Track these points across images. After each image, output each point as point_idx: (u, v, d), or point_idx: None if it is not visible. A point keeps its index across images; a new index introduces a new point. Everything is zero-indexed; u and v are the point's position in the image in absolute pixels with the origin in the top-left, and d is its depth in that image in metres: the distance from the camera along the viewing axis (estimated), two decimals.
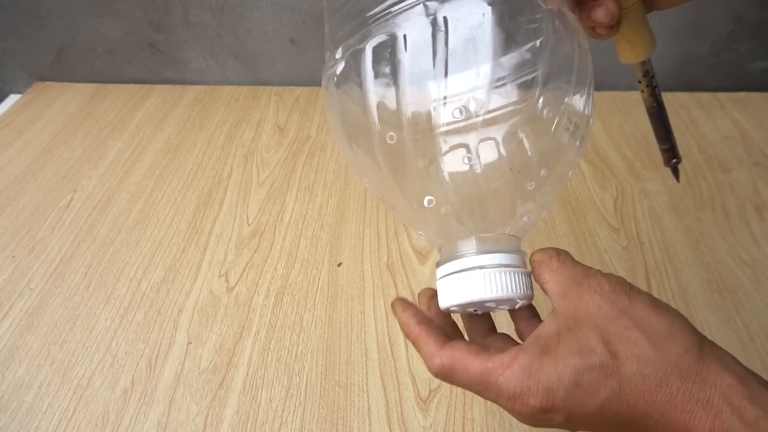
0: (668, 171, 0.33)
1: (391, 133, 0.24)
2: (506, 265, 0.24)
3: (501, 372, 0.21)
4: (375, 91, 0.24)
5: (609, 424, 0.21)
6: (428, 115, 0.23)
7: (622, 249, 0.49)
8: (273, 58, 0.72)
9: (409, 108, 0.23)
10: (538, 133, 0.24)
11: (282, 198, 0.55)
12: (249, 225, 0.52)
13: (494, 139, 0.23)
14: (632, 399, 0.20)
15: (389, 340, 0.42)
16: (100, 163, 0.61)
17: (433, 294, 0.26)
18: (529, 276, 0.25)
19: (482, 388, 0.22)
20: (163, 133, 0.65)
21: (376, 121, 0.24)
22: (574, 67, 0.24)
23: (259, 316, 0.44)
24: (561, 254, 0.24)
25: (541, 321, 0.25)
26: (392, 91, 0.23)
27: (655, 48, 0.28)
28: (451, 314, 0.26)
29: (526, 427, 0.37)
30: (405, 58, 0.23)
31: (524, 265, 0.25)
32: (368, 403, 0.38)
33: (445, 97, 0.23)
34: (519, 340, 0.25)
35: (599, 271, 0.23)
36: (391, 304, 0.26)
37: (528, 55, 0.23)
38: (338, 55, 0.25)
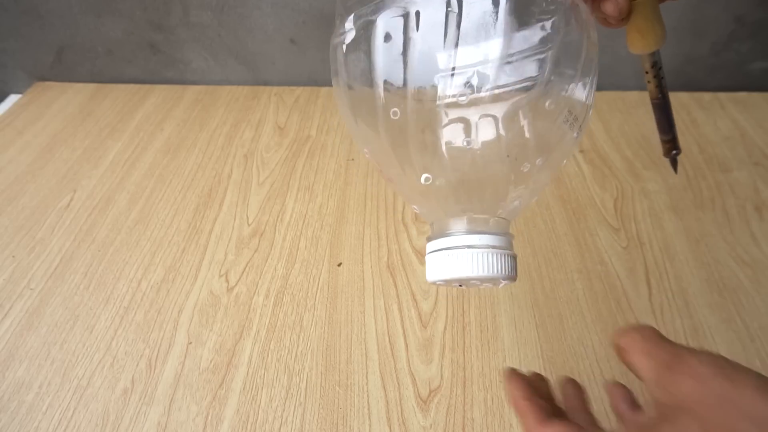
0: (668, 171, 0.33)
1: (395, 108, 0.24)
2: (494, 247, 0.24)
3: None
4: (383, 65, 0.24)
5: None
6: (433, 90, 0.23)
7: (622, 249, 0.49)
8: (273, 58, 0.72)
9: (415, 85, 0.23)
10: (539, 118, 0.24)
11: (282, 198, 0.55)
12: (249, 225, 0.52)
13: (495, 117, 0.23)
14: None
15: (389, 340, 0.42)
16: (100, 163, 0.61)
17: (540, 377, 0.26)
18: (515, 258, 0.25)
19: None
20: (163, 133, 0.65)
21: (382, 95, 0.24)
22: (581, 57, 0.24)
23: (259, 316, 0.44)
24: (646, 334, 0.22)
25: (639, 406, 0.24)
26: (400, 66, 0.23)
27: (665, 39, 0.28)
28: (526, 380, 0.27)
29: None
30: (416, 35, 0.23)
31: (511, 248, 0.25)
32: (368, 403, 0.38)
33: (452, 71, 0.23)
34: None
35: (692, 351, 0.21)
36: (505, 374, 0.26)
37: (539, 37, 0.23)
38: (349, 24, 0.25)
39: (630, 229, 0.51)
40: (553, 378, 0.39)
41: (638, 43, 0.28)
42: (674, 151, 0.32)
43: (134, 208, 0.55)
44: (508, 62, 0.23)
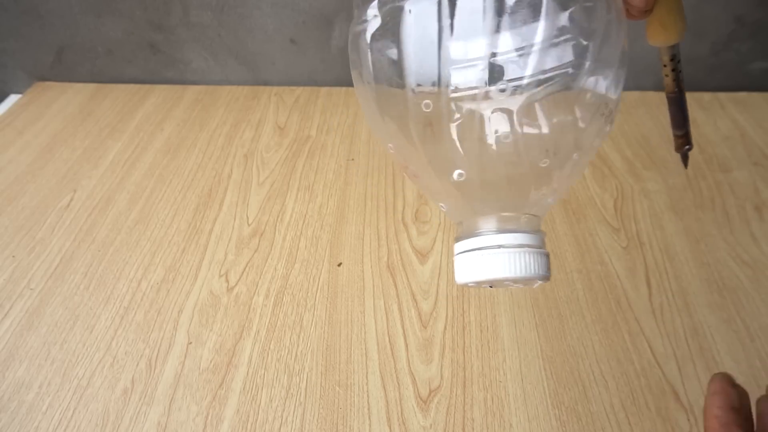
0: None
1: (428, 101, 0.22)
2: (526, 245, 0.23)
3: None
4: (414, 54, 0.22)
5: None
6: (469, 83, 0.21)
7: (622, 249, 0.49)
8: (273, 58, 0.72)
9: (450, 76, 0.22)
10: (580, 111, 0.23)
11: (282, 198, 0.55)
12: (249, 225, 0.52)
13: (537, 108, 0.22)
14: None
15: (389, 340, 0.42)
16: (100, 163, 0.61)
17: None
18: (548, 256, 0.24)
19: None
20: (163, 133, 0.65)
21: (413, 87, 0.22)
22: (620, 47, 0.23)
23: (259, 316, 0.44)
24: None
25: None
26: (434, 56, 0.22)
27: (685, 32, 0.27)
28: None
29: (527, 428, 0.37)
30: (451, 22, 0.21)
31: (543, 246, 0.24)
32: (368, 403, 0.38)
33: (491, 58, 0.21)
34: None
35: None
36: (711, 382, 0.24)
37: (583, 22, 0.22)
38: (373, 10, 0.23)
39: (630, 229, 0.51)
40: (554, 378, 0.40)
41: (660, 36, 0.27)
42: (687, 147, 0.32)
43: (134, 208, 0.55)
44: (552, 47, 0.21)
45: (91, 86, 0.75)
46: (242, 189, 0.57)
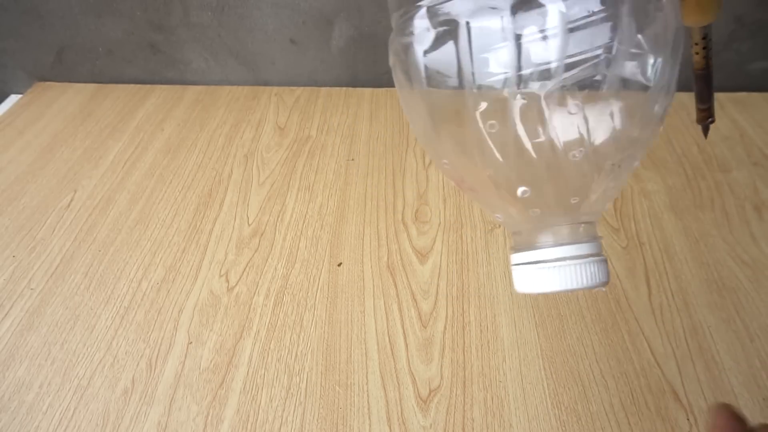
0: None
1: (493, 121, 0.22)
2: (586, 256, 0.23)
3: None
4: (478, 67, 0.21)
5: None
6: (537, 100, 0.21)
7: (622, 249, 0.49)
8: (273, 58, 0.72)
9: (517, 87, 0.21)
10: (648, 115, 0.22)
11: (282, 198, 0.55)
12: (249, 225, 0.52)
13: (613, 115, 0.21)
14: None
15: (389, 340, 0.42)
16: (101, 163, 0.61)
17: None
18: (606, 262, 0.24)
19: None
20: (164, 133, 0.65)
21: (479, 102, 0.21)
22: (681, 43, 0.23)
23: (260, 316, 0.44)
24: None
25: None
26: (500, 67, 0.20)
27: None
28: None
29: (527, 428, 0.37)
30: (515, 29, 0.20)
31: (601, 252, 0.24)
32: (368, 403, 0.38)
33: (563, 63, 0.20)
34: None
35: None
36: (713, 411, 0.24)
37: (657, 23, 0.21)
38: (422, 21, 0.22)
39: (629, 229, 0.51)
40: (553, 378, 0.40)
41: (696, 16, 0.27)
42: (710, 119, 0.33)
43: (135, 208, 0.55)
44: (632, 51, 0.20)
45: (92, 86, 0.75)
46: (242, 189, 0.57)
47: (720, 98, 0.68)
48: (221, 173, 0.59)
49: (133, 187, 0.57)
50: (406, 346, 0.42)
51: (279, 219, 0.53)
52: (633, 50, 0.21)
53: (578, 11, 0.20)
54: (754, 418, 0.37)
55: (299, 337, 0.43)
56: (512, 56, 0.20)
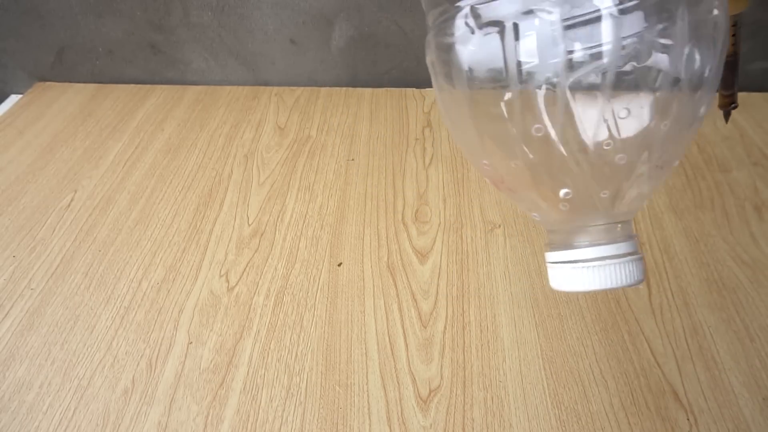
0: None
1: (539, 125, 0.21)
2: (623, 255, 0.23)
3: None
4: (524, 73, 0.20)
5: None
6: (587, 99, 0.20)
7: None
8: (273, 58, 0.72)
9: (569, 93, 0.20)
10: (690, 109, 0.22)
11: (282, 198, 0.55)
12: (249, 225, 0.52)
13: (664, 110, 0.21)
14: None
15: (389, 340, 0.42)
16: (101, 163, 0.61)
17: None
18: (642, 260, 0.24)
19: None
20: (164, 134, 0.65)
21: (525, 108, 0.21)
22: (725, 36, 0.23)
23: (260, 316, 0.44)
24: None
25: None
26: (551, 68, 0.20)
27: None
28: None
29: (527, 428, 0.37)
30: (565, 27, 0.19)
31: (638, 250, 0.24)
32: (368, 403, 0.38)
33: (610, 70, 0.20)
34: None
35: None
36: None
37: (709, 14, 0.21)
38: (464, 21, 0.21)
39: None
40: (553, 378, 0.40)
41: (731, 4, 0.27)
42: (733, 105, 0.33)
43: (135, 208, 0.55)
44: (691, 41, 0.20)
45: (92, 86, 0.75)
46: (242, 189, 0.57)
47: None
48: (221, 173, 0.59)
49: (133, 187, 0.57)
50: (406, 346, 0.42)
51: (279, 219, 0.53)
52: (681, 42, 0.20)
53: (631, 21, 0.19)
54: (754, 418, 0.37)
55: (299, 337, 0.43)
56: (559, 55, 0.20)
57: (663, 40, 0.20)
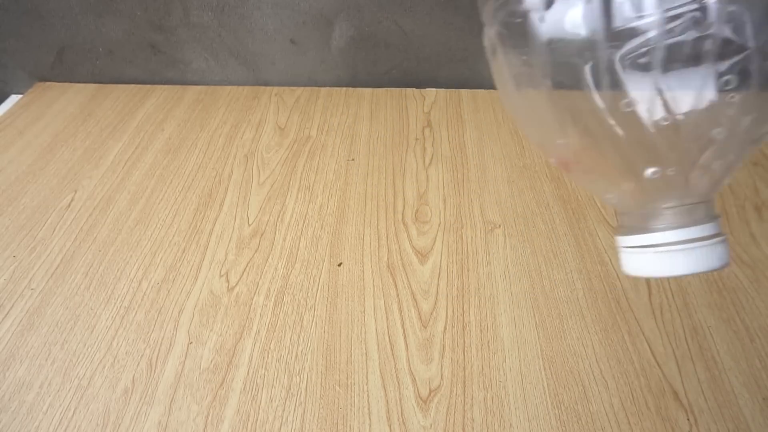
0: None
1: (627, 99, 0.20)
2: (707, 237, 0.22)
3: None
4: (622, 53, 0.20)
5: None
6: (687, 62, 0.19)
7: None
8: (273, 59, 0.72)
9: (659, 70, 0.19)
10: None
11: (282, 198, 0.55)
12: (249, 225, 0.52)
13: (756, 82, 0.20)
14: None
15: (389, 340, 0.42)
16: (101, 163, 0.61)
17: None
18: (726, 241, 0.22)
19: None
20: (164, 134, 0.65)
21: (612, 86, 0.20)
22: None
23: (260, 316, 0.44)
24: None
25: None
26: (637, 40, 0.19)
27: None
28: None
29: (527, 428, 0.37)
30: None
31: (721, 232, 0.22)
32: (368, 403, 0.38)
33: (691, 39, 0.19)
34: None
35: None
36: None
37: None
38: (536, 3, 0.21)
39: None
40: (553, 378, 0.40)
41: None
42: None
43: (135, 208, 0.55)
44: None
45: (92, 86, 0.75)
46: (243, 189, 0.57)
47: None
48: (221, 173, 0.59)
49: (134, 187, 0.57)
50: (406, 346, 0.42)
51: (279, 219, 0.53)
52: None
53: None
54: (754, 418, 0.37)
55: (299, 337, 0.43)
56: (655, 14, 0.19)
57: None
